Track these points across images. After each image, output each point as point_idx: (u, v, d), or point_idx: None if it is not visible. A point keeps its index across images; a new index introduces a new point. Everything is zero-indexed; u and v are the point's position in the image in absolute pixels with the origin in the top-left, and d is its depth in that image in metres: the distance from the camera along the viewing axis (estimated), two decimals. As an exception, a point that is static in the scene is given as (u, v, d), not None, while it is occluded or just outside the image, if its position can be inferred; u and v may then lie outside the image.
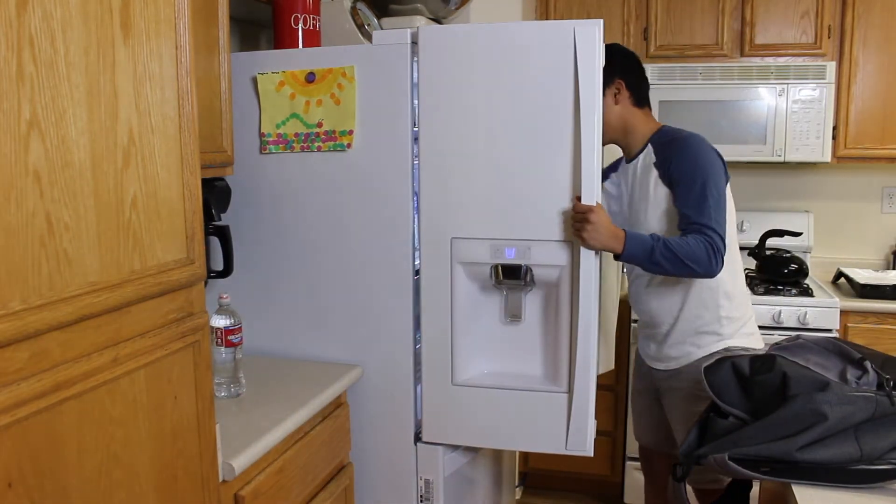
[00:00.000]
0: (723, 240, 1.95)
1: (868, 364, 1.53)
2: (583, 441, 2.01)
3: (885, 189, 3.53)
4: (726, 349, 2.06)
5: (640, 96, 2.14)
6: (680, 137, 2.05)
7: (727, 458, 1.47)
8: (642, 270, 2.07)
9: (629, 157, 2.17)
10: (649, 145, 2.10)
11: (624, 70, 2.11)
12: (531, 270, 1.98)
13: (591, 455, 2.03)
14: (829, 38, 3.18)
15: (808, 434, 1.42)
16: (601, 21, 1.87)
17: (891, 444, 1.44)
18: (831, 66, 3.11)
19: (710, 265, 1.92)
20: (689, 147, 2.01)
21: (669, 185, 2.03)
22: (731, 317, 2.08)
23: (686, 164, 1.99)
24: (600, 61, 1.87)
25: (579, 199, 1.89)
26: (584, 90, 1.85)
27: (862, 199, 3.56)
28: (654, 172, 2.06)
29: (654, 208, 2.06)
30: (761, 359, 1.57)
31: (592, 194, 1.89)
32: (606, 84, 2.04)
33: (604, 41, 1.88)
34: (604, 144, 2.06)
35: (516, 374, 2.07)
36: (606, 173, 2.23)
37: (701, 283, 2.06)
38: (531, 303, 2.05)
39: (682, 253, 1.91)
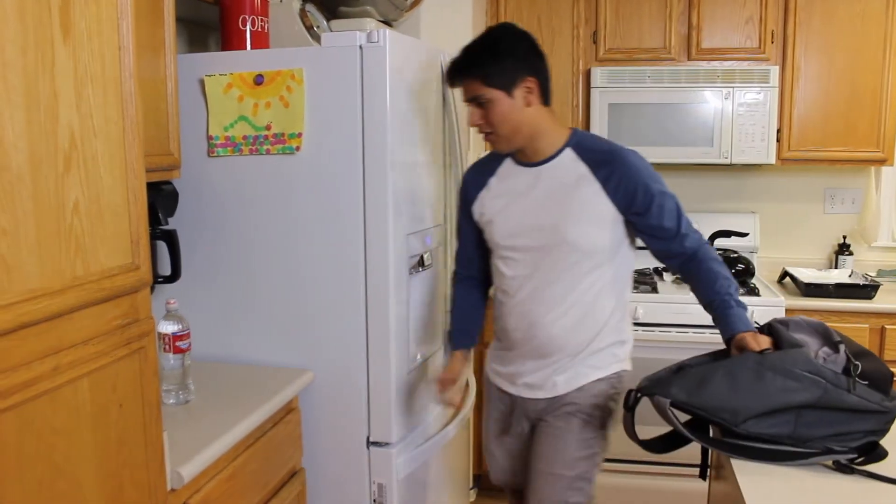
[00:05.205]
0: None
1: (842, 347, 1.59)
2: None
3: (827, 190, 3.63)
4: (619, 373, 1.96)
5: (548, 93, 1.89)
6: (620, 150, 1.86)
7: (668, 404, 1.52)
8: (543, 296, 1.89)
9: (532, 159, 1.90)
10: (569, 150, 1.87)
11: (535, 66, 1.83)
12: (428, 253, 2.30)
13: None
14: (772, 43, 3.25)
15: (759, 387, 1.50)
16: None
17: (822, 433, 1.51)
18: (775, 71, 3.18)
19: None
20: (639, 163, 1.85)
21: (622, 200, 1.83)
22: (625, 340, 1.99)
23: (649, 182, 1.84)
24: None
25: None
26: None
27: (805, 200, 3.65)
28: (595, 184, 1.83)
29: (590, 219, 1.85)
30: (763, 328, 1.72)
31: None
32: (511, 82, 1.78)
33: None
34: (508, 152, 1.92)
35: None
36: (483, 174, 2.00)
37: (621, 308, 1.94)
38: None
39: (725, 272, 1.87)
